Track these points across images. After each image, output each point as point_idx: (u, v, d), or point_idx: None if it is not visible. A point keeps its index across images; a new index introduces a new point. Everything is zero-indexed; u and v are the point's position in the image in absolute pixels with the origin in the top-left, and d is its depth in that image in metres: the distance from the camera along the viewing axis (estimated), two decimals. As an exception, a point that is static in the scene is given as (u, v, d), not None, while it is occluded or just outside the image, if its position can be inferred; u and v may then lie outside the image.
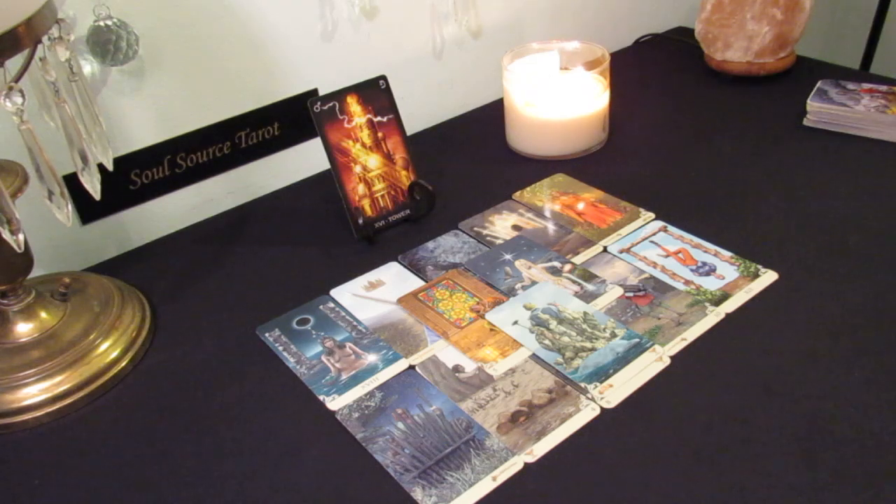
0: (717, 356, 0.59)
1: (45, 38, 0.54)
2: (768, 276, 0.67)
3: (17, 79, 0.51)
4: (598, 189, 0.82)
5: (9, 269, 0.62)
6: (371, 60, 0.90)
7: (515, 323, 0.64)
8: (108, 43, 0.69)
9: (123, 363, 0.63)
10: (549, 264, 0.71)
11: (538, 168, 0.87)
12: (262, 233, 0.80)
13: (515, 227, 0.77)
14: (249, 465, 0.54)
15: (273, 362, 0.63)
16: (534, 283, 0.69)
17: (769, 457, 0.51)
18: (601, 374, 0.58)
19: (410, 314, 0.67)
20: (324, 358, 0.63)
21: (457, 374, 0.60)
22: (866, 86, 0.91)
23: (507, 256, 0.73)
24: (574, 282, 0.68)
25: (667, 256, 0.71)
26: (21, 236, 0.53)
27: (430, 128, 0.98)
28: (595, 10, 1.10)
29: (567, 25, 1.07)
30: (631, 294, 0.66)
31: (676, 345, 0.61)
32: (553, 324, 0.64)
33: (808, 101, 0.89)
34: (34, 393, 0.59)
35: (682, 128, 0.93)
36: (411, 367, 0.61)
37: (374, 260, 0.74)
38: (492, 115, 0.96)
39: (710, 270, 0.68)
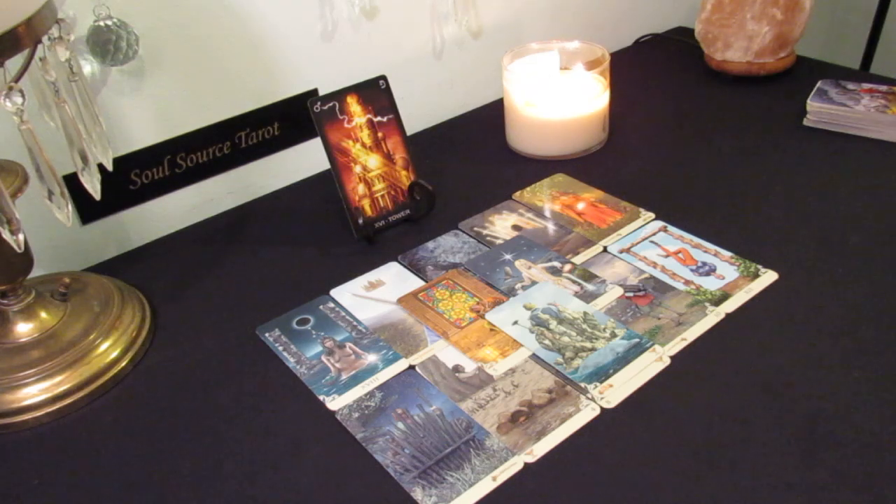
0: (717, 356, 0.59)
1: (45, 38, 0.54)
2: (768, 276, 0.67)
3: (17, 79, 0.51)
4: (598, 189, 0.82)
5: (9, 269, 0.62)
6: (371, 60, 0.90)
7: (515, 323, 0.64)
8: (108, 43, 0.69)
9: (123, 363, 0.63)
10: (549, 264, 0.71)
11: (538, 168, 0.87)
12: (262, 233, 0.80)
13: (515, 227, 0.77)
14: (249, 465, 0.54)
15: (273, 362, 0.63)
16: (534, 283, 0.69)
17: (769, 457, 0.51)
18: (601, 374, 0.58)
19: (410, 314, 0.67)
20: (324, 358, 0.63)
21: (457, 374, 0.60)
22: (866, 86, 0.91)
23: (507, 256, 0.73)
24: (574, 282, 0.68)
25: (667, 256, 0.71)
26: (21, 236, 0.53)
27: (430, 128, 0.98)
28: (595, 10, 1.10)
29: (567, 25, 1.07)
30: (631, 294, 0.66)
31: (676, 345, 0.61)
32: (553, 324, 0.64)
33: (808, 101, 0.89)
34: (34, 393, 0.59)
35: (682, 128, 0.93)
36: (411, 367, 0.61)
37: (374, 260, 0.74)
38: (492, 115, 0.96)
39: (710, 270, 0.68)
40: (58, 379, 0.60)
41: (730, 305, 0.64)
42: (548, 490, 0.50)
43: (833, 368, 0.57)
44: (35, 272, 0.65)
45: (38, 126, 0.54)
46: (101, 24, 0.68)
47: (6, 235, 0.52)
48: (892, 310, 0.62)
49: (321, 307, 0.69)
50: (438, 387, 0.59)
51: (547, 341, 0.62)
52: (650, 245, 0.72)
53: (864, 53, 1.41)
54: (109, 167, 0.63)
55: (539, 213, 0.79)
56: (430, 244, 0.76)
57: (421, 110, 0.97)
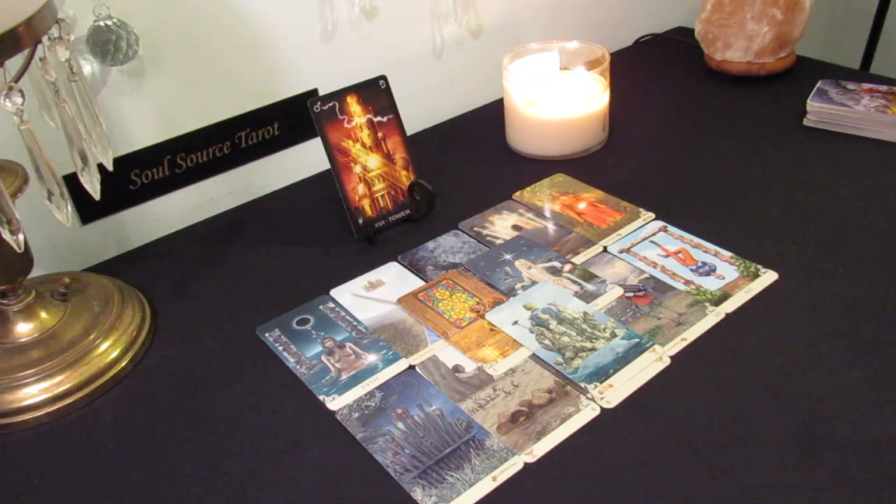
0: (717, 356, 0.59)
1: (45, 38, 0.54)
2: (768, 276, 0.67)
3: (17, 79, 0.51)
4: (598, 189, 0.82)
5: (9, 269, 0.62)
6: (371, 60, 0.90)
7: (515, 323, 0.64)
8: (108, 43, 0.69)
9: (123, 363, 0.63)
10: (549, 264, 0.71)
11: (538, 168, 0.87)
12: (262, 233, 0.80)
13: (515, 227, 0.77)
14: (249, 465, 0.54)
15: (273, 362, 0.63)
16: (534, 283, 0.69)
17: (769, 457, 0.51)
18: (601, 374, 0.58)
19: (410, 314, 0.67)
20: (324, 358, 0.63)
21: (457, 374, 0.60)
22: (866, 86, 0.91)
23: (507, 256, 0.73)
24: (574, 282, 0.68)
25: (667, 256, 0.71)
26: (21, 236, 0.53)
27: (430, 128, 0.98)
28: (595, 10, 1.10)
29: (567, 25, 1.07)
30: (631, 294, 0.66)
31: (676, 345, 0.61)
32: (553, 324, 0.64)
33: (808, 101, 0.89)
34: (34, 393, 0.59)
35: (682, 128, 0.93)
36: (411, 367, 0.61)
37: (374, 260, 0.74)
38: (492, 115, 0.96)
39: (710, 270, 0.68)
40: (58, 379, 0.60)
41: (730, 305, 0.64)
42: (548, 490, 0.50)
43: (833, 368, 0.57)
44: (35, 272, 0.65)
45: (38, 126, 0.54)
46: (101, 24, 0.68)
47: (6, 235, 0.52)
48: (892, 310, 0.62)
49: (321, 307, 0.69)
50: (438, 387, 0.59)
51: (547, 341, 0.62)
52: (650, 245, 0.72)
53: (864, 53, 1.41)
54: (109, 167, 0.63)
55: (539, 213, 0.79)
56: (430, 244, 0.76)
57: (421, 110, 0.97)
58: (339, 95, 0.75)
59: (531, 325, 0.64)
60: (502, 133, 0.93)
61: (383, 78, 0.77)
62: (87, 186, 0.59)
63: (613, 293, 0.67)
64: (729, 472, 0.50)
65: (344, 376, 0.61)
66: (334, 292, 0.70)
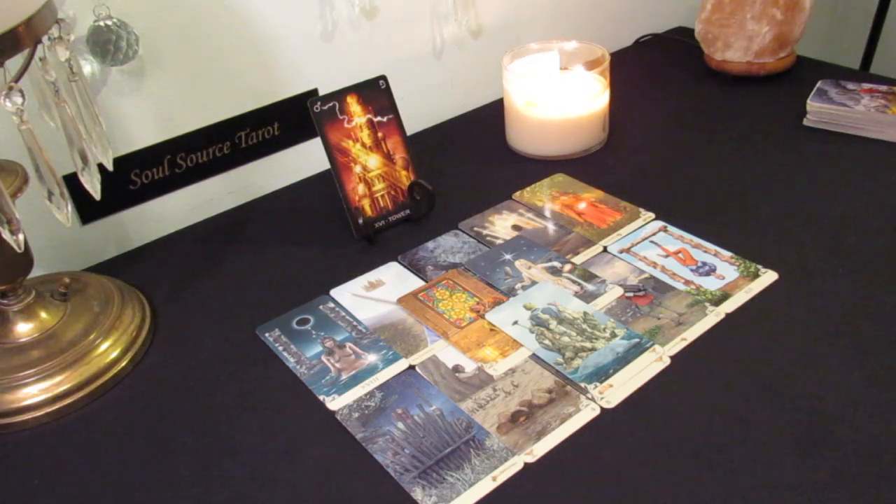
0: (717, 356, 0.59)
1: (45, 38, 0.54)
2: (768, 276, 0.67)
3: (17, 79, 0.51)
4: (598, 189, 0.82)
5: (9, 269, 0.62)
6: (371, 60, 0.90)
7: (515, 323, 0.64)
8: (108, 43, 0.69)
9: (123, 363, 0.63)
10: (549, 264, 0.71)
11: (538, 168, 0.87)
12: (262, 233, 0.80)
13: (515, 227, 0.77)
14: (249, 465, 0.54)
15: (273, 362, 0.63)
16: (534, 283, 0.69)
17: (769, 457, 0.51)
18: (601, 374, 0.58)
19: (410, 314, 0.67)
20: (324, 358, 0.63)
21: (457, 374, 0.60)
22: (866, 86, 0.91)
23: (507, 256, 0.73)
24: (574, 282, 0.68)
25: (667, 256, 0.71)
26: (21, 236, 0.53)
27: (430, 128, 0.98)
28: (595, 10, 1.10)
29: (567, 25, 1.07)
30: (631, 294, 0.66)
31: (676, 345, 0.61)
32: (553, 324, 0.64)
33: (808, 101, 0.89)
34: (34, 393, 0.59)
35: (682, 128, 0.93)
36: (411, 367, 0.61)
37: (374, 260, 0.74)
38: (492, 115, 0.96)
39: (710, 270, 0.68)
40: (58, 379, 0.60)
41: (730, 305, 0.64)
42: (548, 490, 0.50)
43: (833, 368, 0.57)
44: (35, 272, 0.65)
45: (38, 126, 0.54)
46: (101, 24, 0.68)
47: (6, 235, 0.52)
48: (892, 310, 0.62)
49: (321, 307, 0.69)
50: (438, 387, 0.59)
51: (547, 341, 0.62)
52: (650, 245, 0.72)
53: (864, 53, 1.41)
54: (109, 167, 0.63)
55: (539, 213, 0.79)
56: (430, 244, 0.76)
57: (421, 110, 0.97)
58: (339, 95, 0.75)
59: (531, 325, 0.64)
60: (502, 133, 0.93)
61: (383, 78, 0.77)
62: (87, 186, 0.59)
63: (613, 293, 0.67)
64: (729, 472, 0.50)
65: (344, 376, 0.61)
66: (334, 292, 0.70)
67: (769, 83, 1.00)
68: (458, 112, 1.01)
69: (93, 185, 0.59)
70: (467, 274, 0.71)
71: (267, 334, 0.66)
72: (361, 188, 0.76)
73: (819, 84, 0.92)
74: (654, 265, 0.70)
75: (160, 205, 0.81)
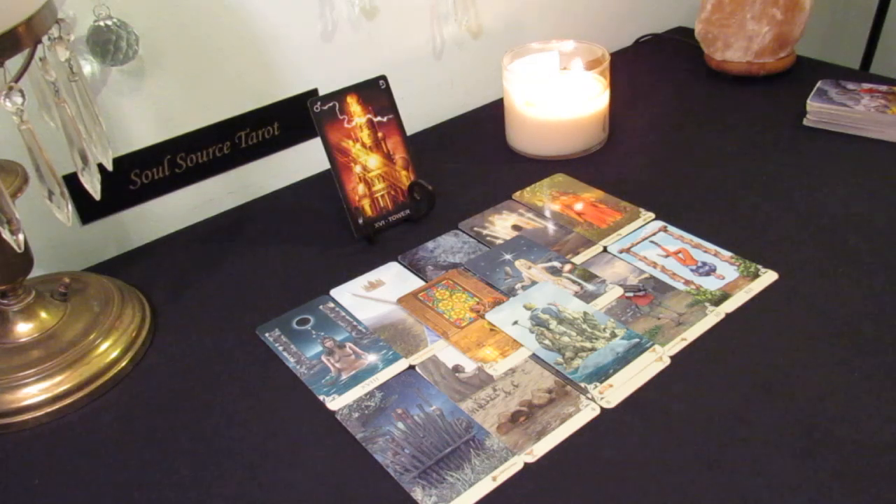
0: (717, 356, 0.59)
1: (45, 38, 0.54)
2: (768, 276, 0.67)
3: (17, 79, 0.51)
4: (598, 189, 0.82)
5: (9, 269, 0.62)
6: (371, 60, 0.90)
7: (515, 323, 0.64)
8: (108, 43, 0.69)
9: (123, 363, 0.63)
10: (549, 264, 0.71)
11: (538, 168, 0.87)
12: (262, 233, 0.80)
13: (515, 227, 0.77)
14: (249, 465, 0.54)
15: (273, 362, 0.63)
16: (534, 283, 0.69)
17: (769, 457, 0.51)
18: (601, 374, 0.58)
19: (410, 314, 0.67)
20: (324, 358, 0.63)
21: (457, 374, 0.60)
22: (866, 86, 0.91)
23: (507, 256, 0.73)
24: (574, 282, 0.68)
25: (667, 256, 0.71)
26: (21, 236, 0.53)
27: (430, 128, 0.98)
28: (595, 10, 1.10)
29: (567, 25, 1.07)
30: (631, 294, 0.66)
31: (676, 345, 0.61)
32: (553, 324, 0.64)
33: (808, 101, 0.89)
34: (34, 393, 0.59)
35: (682, 128, 0.93)
36: (411, 367, 0.61)
37: (374, 260, 0.74)
38: (492, 115, 0.96)
39: (710, 270, 0.68)
40: (58, 379, 0.60)
41: (730, 305, 0.64)
42: (548, 490, 0.50)
43: (833, 368, 0.57)
44: (35, 272, 0.65)
45: (38, 126, 0.54)
46: (101, 24, 0.68)
47: (6, 235, 0.52)
48: (892, 310, 0.62)
49: (321, 307, 0.69)
50: (438, 387, 0.59)
51: (547, 341, 0.62)
52: (650, 245, 0.72)
53: (864, 53, 1.41)
54: (109, 167, 0.63)
55: (539, 213, 0.79)
56: (430, 244, 0.76)
57: (421, 110, 0.97)
58: (339, 95, 0.75)
59: (531, 325, 0.64)
60: (502, 133, 0.93)
61: (383, 78, 0.77)
62: (87, 186, 0.59)
63: (613, 293, 0.67)
64: (729, 472, 0.50)
65: (344, 376, 0.61)
66: (334, 292, 0.70)
67: (769, 83, 1.00)
68: (458, 112, 1.01)
69: (93, 185, 0.59)
70: (467, 274, 0.71)
71: (267, 334, 0.66)
72: (361, 188, 0.76)
73: (819, 84, 0.92)
74: (654, 265, 0.70)
75: (160, 205, 0.81)
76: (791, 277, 0.67)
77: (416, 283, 0.70)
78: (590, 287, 0.68)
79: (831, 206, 0.75)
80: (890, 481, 0.49)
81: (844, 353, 0.58)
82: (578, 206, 0.79)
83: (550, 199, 0.81)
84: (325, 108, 0.74)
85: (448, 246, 0.75)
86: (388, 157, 0.78)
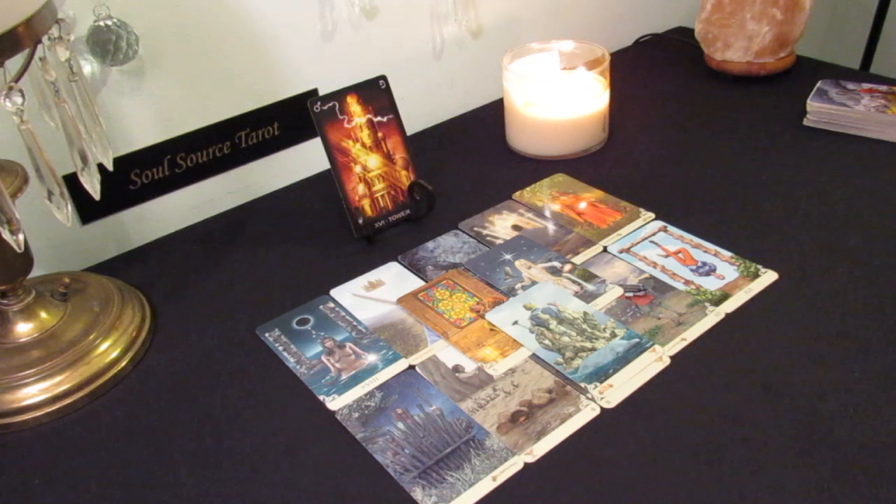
0: (717, 356, 0.59)
1: (45, 38, 0.54)
2: (768, 276, 0.67)
3: (17, 79, 0.51)
4: (598, 189, 0.82)
5: (9, 269, 0.62)
6: (371, 60, 0.90)
7: (515, 323, 0.64)
8: (108, 43, 0.69)
9: (123, 363, 0.63)
10: (549, 264, 0.71)
11: (538, 168, 0.87)
12: (262, 233, 0.80)
13: (515, 227, 0.77)
14: (249, 465, 0.54)
15: (273, 362, 0.63)
16: (534, 283, 0.69)
17: (769, 457, 0.51)
18: (601, 374, 0.58)
19: (410, 314, 0.67)
20: (324, 358, 0.63)
21: (457, 374, 0.60)
22: (866, 86, 0.91)
23: (507, 256, 0.73)
24: (574, 282, 0.68)
25: (667, 256, 0.71)
26: (21, 236, 0.53)
27: (430, 128, 0.98)
28: (595, 10, 1.10)
29: (567, 25, 1.07)
30: (631, 294, 0.66)
31: (676, 345, 0.61)
32: (553, 324, 0.64)
33: (808, 101, 0.89)
34: (34, 393, 0.59)
35: (682, 128, 0.93)
36: (411, 367, 0.61)
37: (374, 260, 0.74)
38: (492, 115, 0.96)
39: (710, 270, 0.68)
40: (58, 379, 0.60)
41: (730, 305, 0.64)
42: (548, 490, 0.50)
43: (833, 368, 0.57)
44: (35, 272, 0.65)
45: (38, 126, 0.54)
46: (101, 24, 0.68)
47: (6, 235, 0.52)
48: (892, 310, 0.62)
49: (321, 307, 0.69)
50: (438, 387, 0.59)
51: (547, 341, 0.62)
52: (650, 245, 0.72)
53: (864, 53, 1.41)
54: (109, 167, 0.63)
55: (539, 213, 0.79)
56: (430, 244, 0.76)
57: (421, 110, 0.97)
58: (339, 95, 0.75)
59: (531, 325, 0.64)
60: (502, 133, 0.93)
61: (383, 78, 0.77)
62: (87, 186, 0.59)
63: (613, 293, 0.67)
64: (729, 472, 0.50)
65: (344, 376, 0.61)
66: (334, 292, 0.70)
67: (769, 83, 1.00)
68: (458, 112, 1.01)
69: (93, 185, 0.59)
70: (467, 274, 0.71)
71: (267, 334, 0.66)
72: (361, 188, 0.76)
73: (819, 84, 0.92)
74: (654, 265, 0.70)
75: (160, 205, 0.81)
76: (791, 277, 0.67)
77: (416, 283, 0.70)
78: (590, 287, 0.68)
79: (831, 206, 0.75)
80: (890, 481, 0.49)
81: (844, 353, 0.58)
82: (579, 206, 0.79)
83: (550, 199, 0.81)
84: (325, 108, 0.74)
85: (448, 246, 0.75)
86: (388, 157, 0.78)
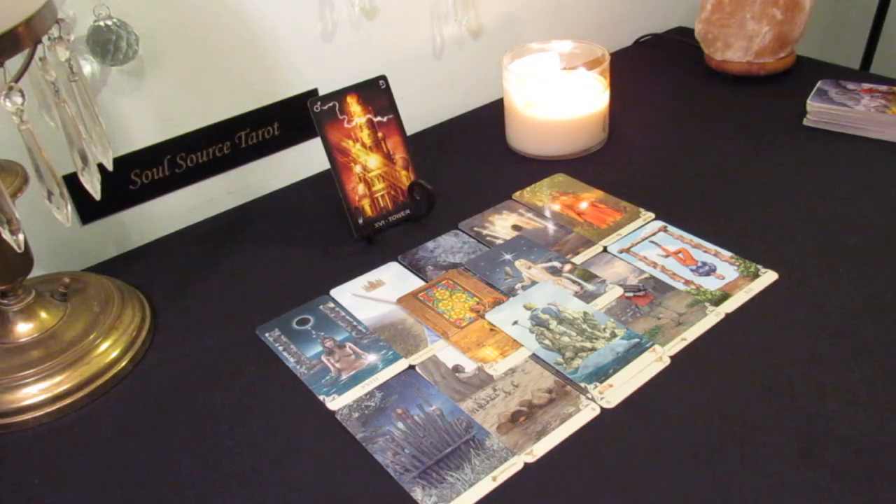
0: (717, 356, 0.59)
1: (45, 38, 0.54)
2: (768, 276, 0.67)
3: (17, 79, 0.51)
4: (598, 189, 0.82)
5: (9, 269, 0.62)
6: (371, 60, 0.90)
7: (515, 323, 0.64)
8: (108, 43, 0.69)
9: (123, 363, 0.63)
10: (549, 264, 0.71)
11: (538, 168, 0.87)
12: (262, 233, 0.80)
13: (515, 227, 0.77)
14: (249, 465, 0.54)
15: (273, 362, 0.63)
16: (534, 283, 0.69)
17: (769, 457, 0.51)
18: (601, 374, 0.58)
19: (410, 314, 0.67)
20: (324, 358, 0.63)
21: (457, 374, 0.60)
22: (866, 86, 0.91)
23: (507, 256, 0.73)
24: (574, 282, 0.68)
25: (667, 256, 0.71)
26: (21, 236, 0.53)
27: (430, 128, 0.98)
28: (595, 10, 1.10)
29: (567, 25, 1.07)
30: (631, 294, 0.66)
31: (676, 345, 0.61)
32: (553, 324, 0.64)
33: (808, 101, 0.89)
34: (34, 393, 0.59)
35: (682, 128, 0.93)
36: (411, 367, 0.61)
37: (374, 260, 0.74)
38: (492, 115, 0.96)
39: (710, 270, 0.68)
40: (58, 379, 0.60)
41: (730, 305, 0.64)
42: (548, 490, 0.50)
43: (833, 368, 0.57)
44: (35, 272, 0.65)
45: (38, 126, 0.54)
46: (101, 24, 0.68)
47: (6, 235, 0.52)
48: (892, 310, 0.62)
49: (321, 307, 0.69)
50: (438, 387, 0.59)
51: (547, 341, 0.62)
52: (650, 245, 0.72)
53: (864, 53, 1.41)
54: (109, 167, 0.63)
55: (539, 213, 0.79)
56: (430, 244, 0.76)
57: (421, 110, 0.97)
58: (339, 95, 0.75)
59: (531, 325, 0.64)
60: (502, 133, 0.93)
61: (383, 78, 0.77)
62: (87, 186, 0.59)
63: (613, 293, 0.67)
64: (729, 472, 0.50)
65: (344, 376, 0.61)
66: (334, 292, 0.70)
67: (769, 83, 1.00)
68: (458, 112, 1.01)
69: (93, 185, 0.59)
70: (467, 274, 0.71)
71: (267, 334, 0.66)
72: (361, 188, 0.76)
73: (819, 84, 0.92)
74: (654, 265, 0.70)
75: (160, 205, 0.81)
76: (791, 277, 0.67)
77: (416, 283, 0.70)
78: (590, 287, 0.68)
79: (831, 206, 0.75)
80: (890, 481, 0.49)
81: (844, 353, 0.58)
82: (579, 206, 0.79)
83: (550, 199, 0.81)
84: (325, 108, 0.74)
85: (448, 246, 0.75)
86: (388, 157, 0.78)
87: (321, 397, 0.59)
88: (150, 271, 0.75)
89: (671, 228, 0.74)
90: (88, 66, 0.71)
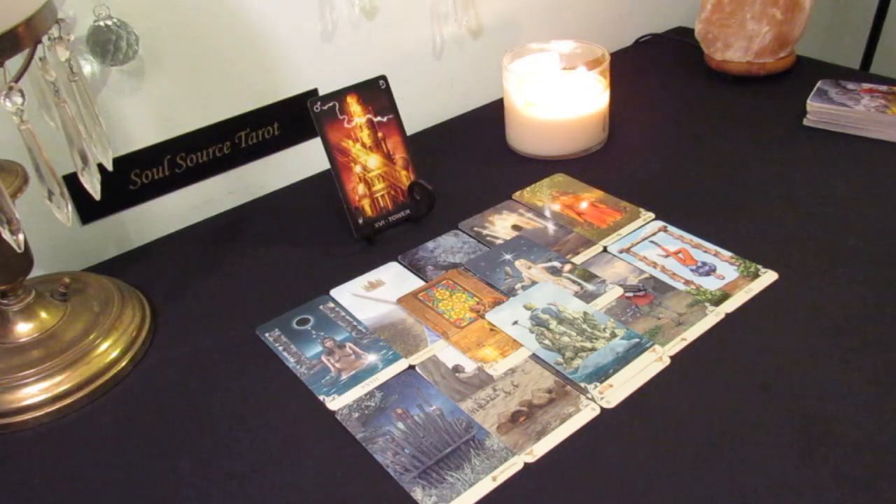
0: (717, 356, 0.59)
1: (45, 38, 0.54)
2: (768, 276, 0.67)
3: (17, 79, 0.51)
4: (598, 189, 0.82)
5: (9, 269, 0.62)
6: (371, 60, 0.90)
7: (515, 323, 0.64)
8: (108, 43, 0.69)
9: (123, 363, 0.63)
10: (549, 264, 0.71)
11: (538, 168, 0.87)
12: (262, 233, 0.80)
13: (515, 227, 0.77)
14: (249, 465, 0.54)
15: (273, 362, 0.63)
16: (534, 283, 0.69)
17: (769, 457, 0.51)
18: (601, 374, 0.58)
19: (410, 314, 0.67)
20: (324, 358, 0.63)
21: (457, 374, 0.60)
22: (866, 86, 0.91)
23: (507, 256, 0.73)
24: (574, 282, 0.68)
25: (667, 256, 0.71)
26: (21, 236, 0.53)
27: (430, 128, 0.98)
28: (595, 10, 1.10)
29: (567, 25, 1.07)
30: (631, 294, 0.66)
31: (676, 345, 0.61)
32: (553, 324, 0.64)
33: (808, 101, 0.89)
34: (34, 393, 0.59)
35: (682, 128, 0.93)
36: (411, 367, 0.61)
37: (374, 260, 0.74)
38: (492, 115, 0.96)
39: (710, 270, 0.68)
40: (58, 379, 0.60)
41: (730, 305, 0.64)
42: (548, 490, 0.50)
43: (833, 368, 0.57)
44: (35, 272, 0.65)
45: (38, 126, 0.54)
46: (101, 24, 0.68)
47: (6, 235, 0.52)
48: (892, 310, 0.62)
49: (321, 307, 0.69)
50: (438, 387, 0.59)
51: (547, 341, 0.62)
52: (650, 245, 0.72)
53: (864, 53, 1.41)
54: (109, 167, 0.63)
55: (539, 213, 0.79)
56: (430, 244, 0.76)
57: (421, 110, 0.97)
58: (339, 95, 0.75)
59: (531, 325, 0.64)
60: (502, 133, 0.93)
61: (383, 78, 0.77)
62: (87, 186, 0.59)
63: (613, 293, 0.67)
64: (729, 472, 0.50)
65: (344, 376, 0.61)
66: (334, 292, 0.70)
67: (769, 83, 1.00)
68: (458, 112, 1.01)
69: (93, 185, 0.59)
70: (467, 274, 0.71)
71: (267, 334, 0.66)
72: (361, 188, 0.76)
73: (819, 84, 0.92)
74: (654, 265, 0.70)
75: (160, 205, 0.81)
76: (791, 277, 0.67)
77: (416, 283, 0.70)
78: (590, 287, 0.68)
79: (831, 206, 0.75)
80: (890, 481, 0.49)
81: (844, 353, 0.58)
82: (579, 206, 0.79)
83: (550, 199, 0.81)
84: (325, 108, 0.74)
85: (448, 246, 0.75)
86: (388, 157, 0.78)
87: (321, 397, 0.59)
88: (150, 271, 0.75)
89: (671, 228, 0.74)
90: (88, 66, 0.71)
